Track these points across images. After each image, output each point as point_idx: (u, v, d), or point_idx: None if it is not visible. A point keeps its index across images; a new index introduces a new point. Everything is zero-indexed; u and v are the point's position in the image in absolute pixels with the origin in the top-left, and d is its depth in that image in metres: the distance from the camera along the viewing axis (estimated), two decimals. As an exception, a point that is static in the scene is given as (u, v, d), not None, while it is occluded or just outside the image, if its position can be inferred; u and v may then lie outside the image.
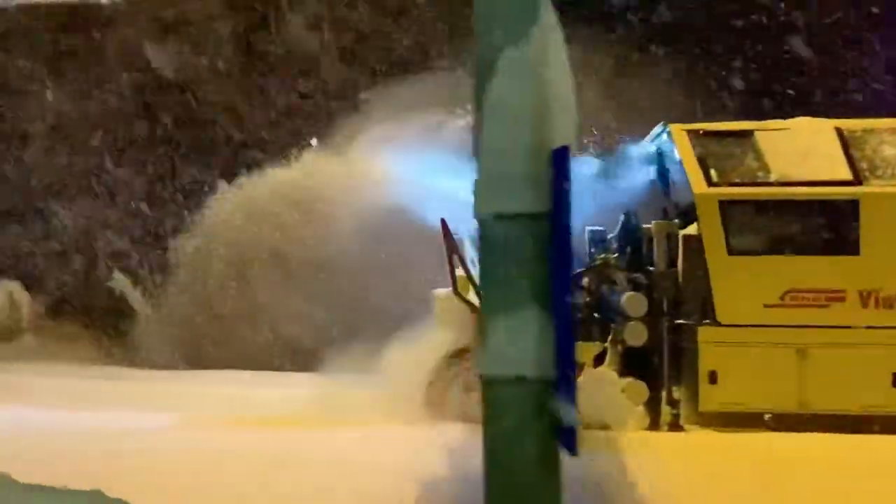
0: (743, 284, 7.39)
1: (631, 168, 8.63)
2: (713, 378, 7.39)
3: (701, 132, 7.81)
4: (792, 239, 7.51)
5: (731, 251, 7.41)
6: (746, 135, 7.73)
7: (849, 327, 7.30)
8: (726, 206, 7.41)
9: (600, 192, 8.62)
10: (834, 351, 7.31)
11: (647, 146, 8.71)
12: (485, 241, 2.95)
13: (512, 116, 2.79)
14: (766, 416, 7.37)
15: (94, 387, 9.46)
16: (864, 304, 7.31)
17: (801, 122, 7.82)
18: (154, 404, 8.46)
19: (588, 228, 8.42)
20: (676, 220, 7.81)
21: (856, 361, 7.27)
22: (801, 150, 7.53)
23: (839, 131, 7.60)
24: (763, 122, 8.01)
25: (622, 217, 8.17)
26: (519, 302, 2.79)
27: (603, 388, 7.38)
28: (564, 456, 2.85)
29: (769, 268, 7.40)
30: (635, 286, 7.68)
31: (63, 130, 13.84)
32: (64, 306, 13.31)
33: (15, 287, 13.30)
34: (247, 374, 9.99)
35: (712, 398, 7.41)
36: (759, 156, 7.60)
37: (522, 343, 2.77)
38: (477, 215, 2.93)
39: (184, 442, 6.90)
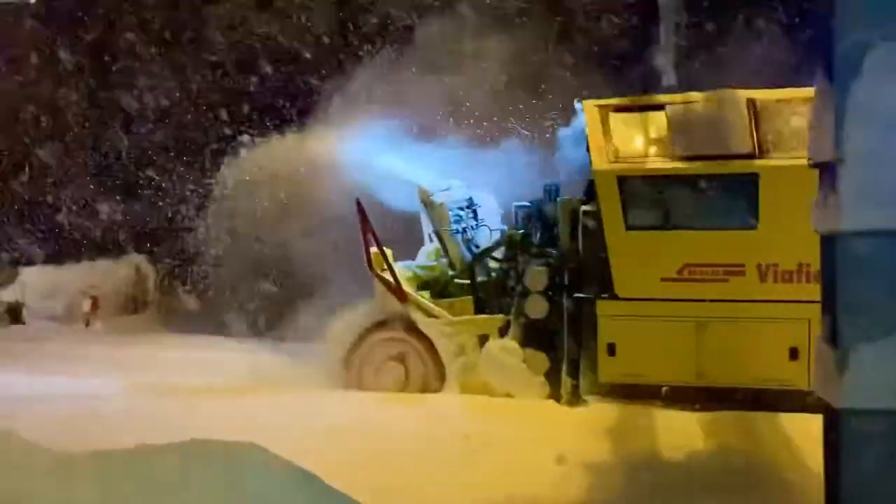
0: (641, 259, 7.49)
1: (563, 145, 8.78)
2: (612, 350, 7.56)
3: (613, 107, 7.86)
4: (690, 214, 7.51)
5: (629, 226, 7.51)
6: (658, 108, 7.72)
7: (747, 301, 7.27)
8: (624, 181, 7.50)
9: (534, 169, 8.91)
10: (732, 325, 7.31)
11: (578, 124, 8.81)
12: (845, 261, 2.69)
13: (886, 120, 2.60)
14: (664, 389, 7.48)
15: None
16: (763, 279, 7.25)
17: (716, 95, 7.69)
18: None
19: (515, 204, 8.71)
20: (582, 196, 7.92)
21: (754, 335, 7.24)
22: (709, 123, 7.48)
23: (752, 102, 7.48)
24: (679, 94, 7.89)
25: (543, 193, 8.37)
26: (889, 329, 2.53)
27: (504, 358, 7.74)
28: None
29: (667, 242, 7.46)
30: (546, 261, 7.93)
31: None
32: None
33: (141, 260, 13.79)
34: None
35: (611, 370, 7.58)
36: (666, 129, 7.61)
37: (893, 374, 2.51)
38: (829, 230, 2.80)
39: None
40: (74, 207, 14.34)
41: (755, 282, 7.25)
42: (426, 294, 8.31)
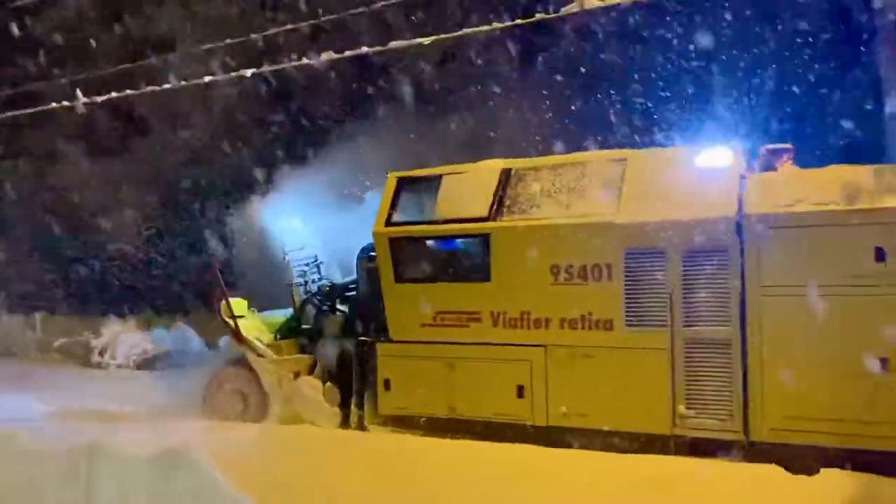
0: (407, 307, 8.84)
1: None
2: (387, 385, 8.92)
3: (406, 178, 9.30)
4: (441, 269, 8.77)
5: (398, 279, 8.91)
6: (436, 178, 9.08)
7: (483, 344, 8.41)
8: (393, 242, 8.91)
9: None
10: (473, 364, 8.48)
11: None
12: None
13: None
14: (422, 420, 8.68)
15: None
16: (495, 324, 8.38)
17: (483, 164, 8.95)
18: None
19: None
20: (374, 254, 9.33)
21: (490, 375, 8.37)
22: (467, 191, 8.76)
23: (505, 171, 8.69)
24: (456, 165, 9.19)
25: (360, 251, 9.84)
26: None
27: (307, 392, 9.26)
28: None
29: (425, 293, 8.75)
30: (342, 310, 9.45)
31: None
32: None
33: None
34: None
35: (387, 403, 8.92)
36: (437, 197, 8.95)
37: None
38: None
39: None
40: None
41: (489, 327, 8.39)
42: (268, 337, 10.00)
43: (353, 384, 9.12)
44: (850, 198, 6.89)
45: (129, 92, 13.58)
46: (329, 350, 9.36)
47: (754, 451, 7.14)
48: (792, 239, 7.04)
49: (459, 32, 10.31)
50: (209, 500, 2.89)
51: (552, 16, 9.86)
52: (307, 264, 10.39)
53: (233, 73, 12.43)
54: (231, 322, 9.80)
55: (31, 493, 3.27)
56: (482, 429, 8.35)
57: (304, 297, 10.12)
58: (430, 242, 8.85)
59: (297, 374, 9.44)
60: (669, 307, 7.48)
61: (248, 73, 11.90)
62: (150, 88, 13.10)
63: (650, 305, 7.61)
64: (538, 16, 9.91)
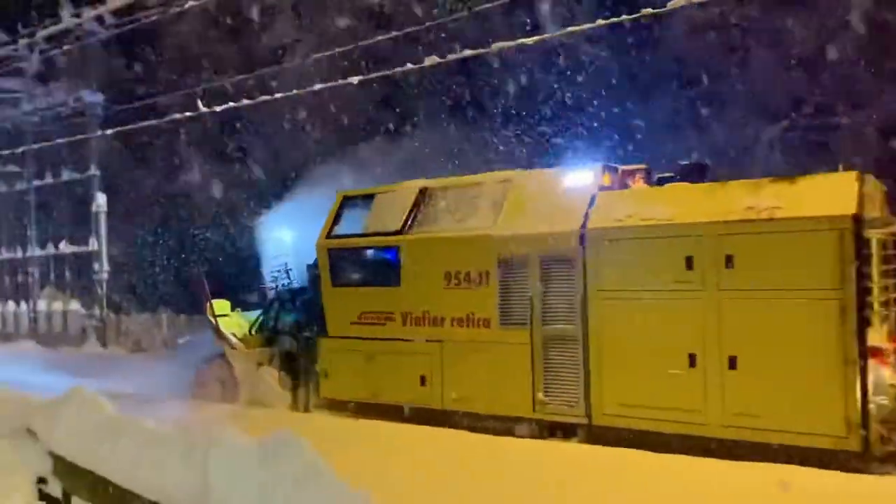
0: (340, 308, 10.46)
1: None
2: (326, 374, 10.48)
3: (350, 196, 10.86)
4: (366, 275, 10.32)
5: (334, 284, 10.54)
6: (371, 197, 10.60)
7: (396, 339, 9.89)
8: (330, 252, 10.49)
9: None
10: (389, 357, 9.94)
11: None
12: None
13: None
14: (350, 404, 10.16)
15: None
16: (404, 323, 9.81)
17: (407, 184, 10.37)
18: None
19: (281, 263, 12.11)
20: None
21: (401, 365, 9.78)
22: (390, 208, 10.22)
23: (422, 190, 10.09)
24: (388, 185, 10.65)
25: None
26: None
27: (267, 379, 10.96)
28: None
29: (353, 296, 10.32)
30: (294, 311, 11.18)
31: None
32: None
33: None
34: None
35: (326, 389, 10.55)
36: (368, 213, 10.45)
37: None
38: None
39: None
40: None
41: (400, 326, 9.83)
42: (244, 333, 11.79)
43: (300, 373, 10.77)
44: (667, 212, 7.86)
45: (245, 102, 15.44)
46: (284, 344, 11.03)
47: (595, 434, 8.27)
48: (622, 249, 8.17)
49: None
50: (312, 483, 2.79)
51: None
52: (278, 271, 12.11)
53: (340, 81, 13.64)
54: (213, 320, 11.63)
55: (155, 474, 3.32)
56: (399, 412, 9.75)
57: (270, 299, 11.83)
58: (357, 253, 10.45)
59: (260, 364, 11.15)
60: (531, 308, 8.72)
61: (355, 80, 12.96)
62: (262, 98, 14.97)
63: (517, 307, 8.92)
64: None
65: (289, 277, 12.13)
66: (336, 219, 10.74)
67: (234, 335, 11.55)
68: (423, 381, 9.59)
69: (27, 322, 25.03)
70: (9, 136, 26.14)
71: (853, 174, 7.37)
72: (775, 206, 7.41)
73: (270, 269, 12.10)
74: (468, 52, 11.57)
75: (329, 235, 10.64)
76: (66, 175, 25.23)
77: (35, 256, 25.35)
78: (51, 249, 25.14)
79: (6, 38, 22.13)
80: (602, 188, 8.76)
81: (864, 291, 6.99)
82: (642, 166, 9.13)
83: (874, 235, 7.19)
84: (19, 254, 26.01)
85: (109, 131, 19.84)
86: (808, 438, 7.07)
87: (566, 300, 8.53)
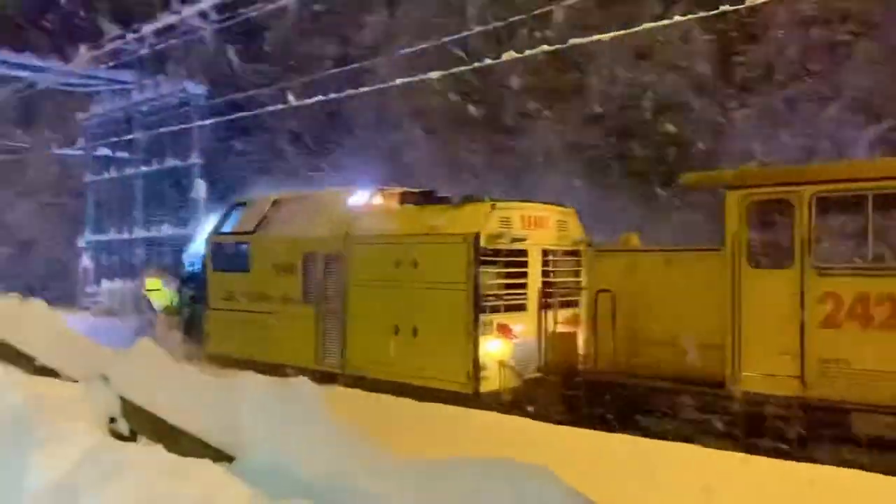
0: (216, 287, 13.58)
1: None
2: (209, 336, 13.64)
3: (239, 202, 14.42)
4: (230, 263, 13.42)
5: (213, 269, 13.74)
6: (244, 204, 13.97)
7: (246, 311, 12.93)
8: (213, 245, 13.92)
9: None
10: (242, 324, 12.93)
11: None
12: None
13: None
14: (235, 359, 12.51)
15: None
16: (251, 300, 12.85)
17: (267, 196, 13.74)
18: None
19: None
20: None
21: (248, 330, 12.78)
22: (253, 213, 13.48)
23: (275, 201, 13.33)
24: (268, 196, 13.79)
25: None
26: None
27: (173, 338, 13.86)
28: None
29: (223, 279, 13.49)
30: (191, 286, 14.81)
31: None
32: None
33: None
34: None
35: (209, 347, 13.47)
36: (241, 217, 13.86)
37: None
38: None
39: None
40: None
41: (253, 301, 12.83)
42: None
43: (195, 334, 13.97)
44: (389, 227, 11.28)
45: (332, 95, 16.28)
46: (185, 313, 14.48)
47: (347, 380, 10.98)
48: (365, 251, 11.16)
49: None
50: (313, 421, 3.13)
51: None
52: (195, 257, 15.10)
53: (421, 77, 14.29)
54: (146, 293, 15.41)
55: (195, 414, 3.72)
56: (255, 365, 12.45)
57: (180, 279, 15.23)
58: (227, 246, 13.66)
59: (171, 328, 14.41)
60: (316, 292, 11.78)
61: (435, 75, 13.66)
62: (350, 91, 15.81)
63: (312, 290, 11.88)
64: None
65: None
66: (224, 218, 14.01)
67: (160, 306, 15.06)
68: (260, 342, 12.54)
69: (132, 299, 26.80)
70: (119, 124, 27.94)
71: (488, 206, 10.20)
72: (443, 225, 10.38)
73: (188, 256, 15.55)
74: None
75: (214, 232, 13.98)
76: (169, 162, 26.74)
77: (140, 238, 27.04)
78: (154, 232, 26.78)
79: (118, 31, 23.64)
80: (370, 206, 11.84)
81: (478, 286, 9.85)
82: (399, 189, 12.14)
83: (494, 246, 10.02)
84: (126, 235, 27.77)
85: (209, 121, 20.99)
86: (449, 384, 9.91)
87: (336, 286, 11.49)
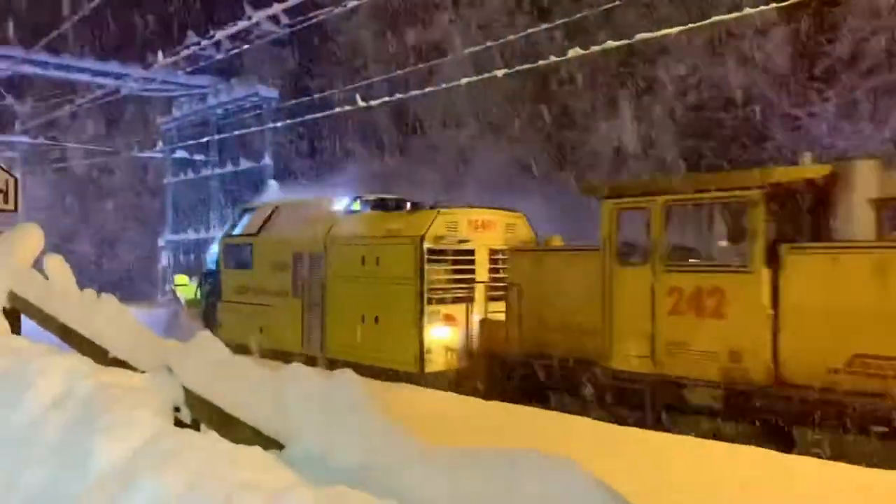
0: (228, 283, 16.04)
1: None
2: (222, 325, 15.57)
3: (248, 207, 17.20)
4: (239, 262, 15.81)
5: (227, 267, 16.13)
6: (252, 210, 16.62)
7: (250, 304, 15.38)
8: (226, 246, 16.36)
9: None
10: (248, 315, 15.54)
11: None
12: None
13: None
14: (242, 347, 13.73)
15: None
16: (255, 293, 15.31)
17: (270, 202, 16.48)
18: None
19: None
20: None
21: (253, 320, 15.31)
22: (257, 218, 16.28)
23: (275, 207, 15.96)
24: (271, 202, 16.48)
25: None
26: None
27: (196, 325, 15.31)
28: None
29: (233, 275, 16.06)
30: (209, 282, 17.00)
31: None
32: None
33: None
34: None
35: (223, 334, 13.64)
36: (248, 221, 16.71)
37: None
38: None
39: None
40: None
41: (253, 294, 15.63)
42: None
43: (212, 322, 15.82)
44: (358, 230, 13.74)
45: (398, 96, 16.69)
46: (204, 305, 16.45)
47: (327, 363, 12.95)
48: (340, 251, 13.65)
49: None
50: (360, 413, 3.14)
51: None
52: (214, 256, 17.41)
53: (485, 74, 14.47)
54: (174, 288, 18.30)
55: (249, 403, 3.71)
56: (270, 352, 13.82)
57: (200, 276, 17.54)
58: (236, 247, 16.08)
59: (193, 318, 16.20)
60: (303, 286, 14.44)
61: (500, 73, 13.94)
62: (413, 93, 16.19)
63: (300, 284, 14.46)
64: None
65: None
66: (234, 222, 16.67)
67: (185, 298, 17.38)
68: (261, 330, 15.00)
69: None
70: (196, 127, 28.96)
71: (434, 212, 12.45)
72: (399, 228, 12.52)
73: (209, 256, 18.14)
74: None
75: (227, 235, 16.46)
76: (243, 164, 27.57)
77: (214, 237, 27.96)
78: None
79: (196, 38, 24.50)
80: (350, 211, 14.41)
81: (423, 281, 12.12)
82: (374, 196, 14.56)
83: (439, 246, 12.15)
84: (202, 234, 28.76)
85: (279, 124, 21.58)
86: (401, 365, 12.11)
87: (318, 281, 13.90)
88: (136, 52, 28.65)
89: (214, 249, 17.54)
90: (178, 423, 4.24)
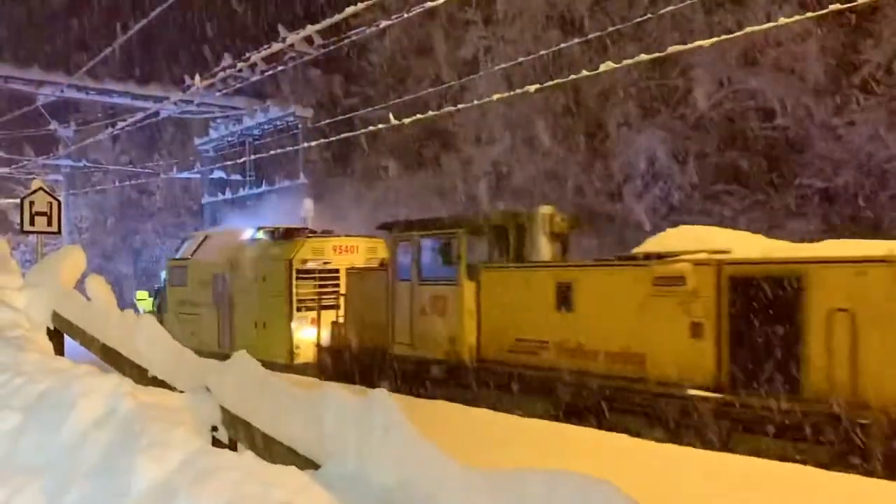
0: (172, 298, 19.65)
1: None
2: (171, 332, 15.87)
3: (189, 236, 19.56)
4: (177, 280, 19.54)
5: (171, 285, 19.89)
6: (191, 238, 19.32)
7: (186, 314, 19.04)
8: (171, 267, 19.89)
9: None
10: (185, 324, 18.70)
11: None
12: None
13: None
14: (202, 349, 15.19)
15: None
16: (190, 306, 18.88)
17: (202, 232, 18.18)
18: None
19: None
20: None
21: (188, 328, 18.34)
22: (192, 244, 20.07)
23: (206, 236, 19.62)
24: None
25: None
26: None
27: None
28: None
29: (177, 290, 19.37)
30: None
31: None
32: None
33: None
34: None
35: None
36: (187, 247, 20.32)
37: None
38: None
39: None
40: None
41: (188, 306, 18.92)
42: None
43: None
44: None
45: (430, 113, 16.69)
46: (156, 315, 17.72)
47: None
48: (240, 272, 17.16)
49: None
50: (396, 434, 3.14)
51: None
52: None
53: (517, 91, 14.25)
54: (135, 302, 20.15)
55: (286, 423, 3.77)
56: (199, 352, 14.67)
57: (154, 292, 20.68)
58: (177, 268, 19.50)
59: None
60: (218, 299, 17.76)
61: (532, 88, 13.59)
62: (446, 109, 16.24)
63: (216, 298, 17.76)
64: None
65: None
66: (178, 248, 20.23)
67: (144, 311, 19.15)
68: (192, 334, 17.84)
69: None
70: (233, 147, 29.41)
71: (303, 240, 16.24)
72: (277, 253, 16.24)
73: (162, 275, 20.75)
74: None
75: (173, 257, 20.00)
76: (279, 183, 27.89)
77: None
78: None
79: (231, 61, 24.93)
80: (252, 240, 17.51)
81: (291, 294, 15.75)
82: (272, 227, 17.49)
83: (302, 267, 15.82)
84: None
85: (313, 143, 21.81)
86: (280, 358, 15.38)
87: (228, 295, 17.18)
88: (173, 76, 29.27)
89: (163, 271, 21.00)
90: (216, 443, 4.29)
